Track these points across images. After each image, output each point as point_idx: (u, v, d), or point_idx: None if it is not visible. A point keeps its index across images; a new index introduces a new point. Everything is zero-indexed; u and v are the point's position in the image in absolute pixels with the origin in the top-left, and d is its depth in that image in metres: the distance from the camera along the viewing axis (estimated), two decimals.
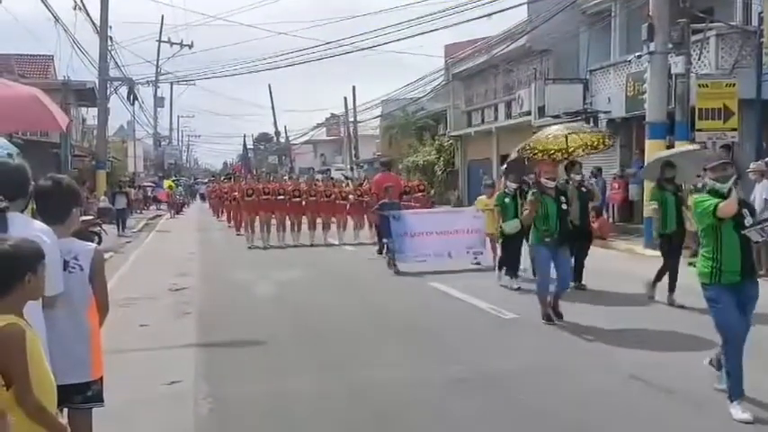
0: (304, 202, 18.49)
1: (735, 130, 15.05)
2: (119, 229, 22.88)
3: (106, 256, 14.94)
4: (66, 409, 3.30)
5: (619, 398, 5.59)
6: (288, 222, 18.57)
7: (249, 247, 17.67)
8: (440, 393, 5.78)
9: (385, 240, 13.26)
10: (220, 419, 5.31)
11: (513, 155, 11.73)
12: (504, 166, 12.12)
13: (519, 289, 10.30)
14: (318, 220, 18.81)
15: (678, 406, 5.41)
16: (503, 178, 11.20)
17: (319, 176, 26.14)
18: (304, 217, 18.66)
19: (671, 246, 9.18)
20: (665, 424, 5.07)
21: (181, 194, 41.12)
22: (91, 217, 18.04)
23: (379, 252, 14.93)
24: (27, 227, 3.11)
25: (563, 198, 8.26)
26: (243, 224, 20.37)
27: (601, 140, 10.76)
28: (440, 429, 5.07)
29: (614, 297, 9.68)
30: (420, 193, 18.19)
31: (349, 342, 7.70)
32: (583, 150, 10.76)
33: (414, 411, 5.40)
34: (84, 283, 3.36)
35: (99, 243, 16.44)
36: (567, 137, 10.34)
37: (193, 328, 8.56)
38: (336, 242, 18.26)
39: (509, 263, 10.63)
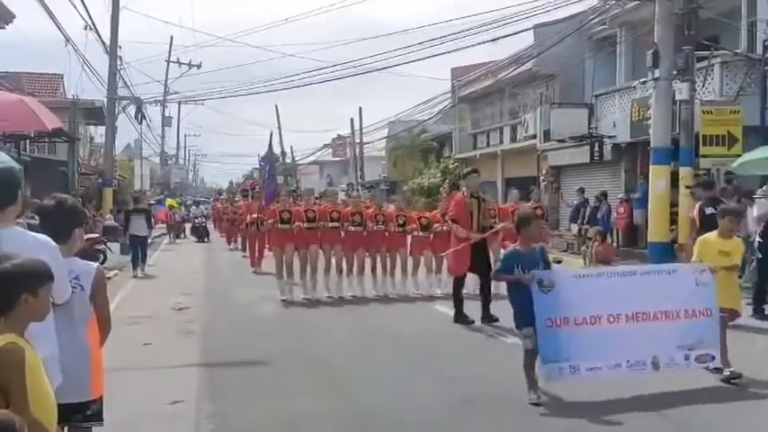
0: (366, 232, 12.40)
1: (739, 156, 15.07)
2: (134, 267, 16.40)
3: (110, 274, 15.01)
4: (65, 428, 3.31)
5: (626, 424, 5.54)
6: (344, 262, 12.41)
7: (284, 301, 11.95)
8: (446, 415, 5.76)
9: (518, 332, 6.45)
10: None
11: None
12: None
13: None
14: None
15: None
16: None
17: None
18: (367, 254, 12.55)
19: None
20: None
21: (202, 216, 32.31)
22: (96, 235, 18.12)
23: (458, 320, 9.85)
24: (18, 240, 3.05)
25: None
26: (259, 258, 16.85)
27: None
28: None
29: None
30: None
31: (352, 363, 7.68)
32: None
33: None
34: (85, 302, 3.37)
35: (104, 261, 16.49)
36: None
37: (197, 347, 8.57)
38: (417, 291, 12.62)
39: None
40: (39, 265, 2.72)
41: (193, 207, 35.49)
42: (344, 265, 12.39)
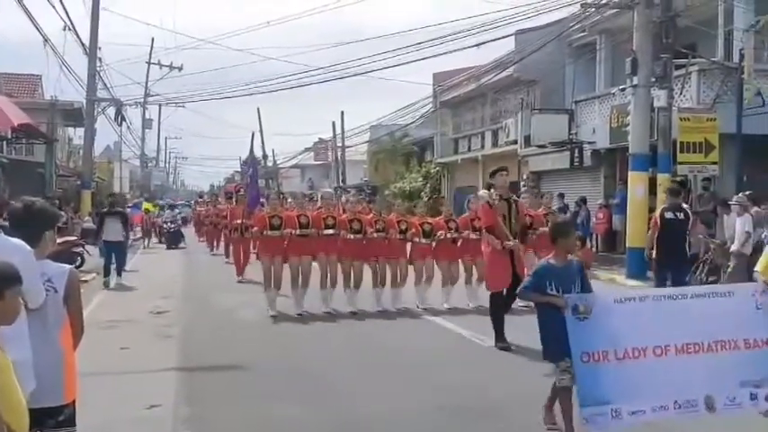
0: (365, 240, 11.32)
1: (715, 163, 15.29)
2: (106, 274, 14.84)
3: (88, 277, 14.84)
4: None
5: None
6: (340, 273, 11.37)
7: (272, 316, 10.84)
8: (439, 423, 5.70)
9: (559, 366, 5.23)
10: None
11: None
12: None
13: None
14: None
15: None
16: None
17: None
18: (366, 264, 11.48)
19: None
20: None
21: (174, 220, 30.11)
22: (74, 237, 17.94)
23: (497, 344, 8.47)
24: None
25: None
26: (243, 265, 15.87)
27: None
28: None
29: None
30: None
31: (342, 371, 7.51)
32: None
33: None
34: (59, 305, 3.34)
35: (81, 264, 16.31)
36: None
37: (175, 351, 8.51)
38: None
39: None
40: (5, 267, 2.68)
41: (168, 210, 32.92)
42: (340, 277, 11.30)
